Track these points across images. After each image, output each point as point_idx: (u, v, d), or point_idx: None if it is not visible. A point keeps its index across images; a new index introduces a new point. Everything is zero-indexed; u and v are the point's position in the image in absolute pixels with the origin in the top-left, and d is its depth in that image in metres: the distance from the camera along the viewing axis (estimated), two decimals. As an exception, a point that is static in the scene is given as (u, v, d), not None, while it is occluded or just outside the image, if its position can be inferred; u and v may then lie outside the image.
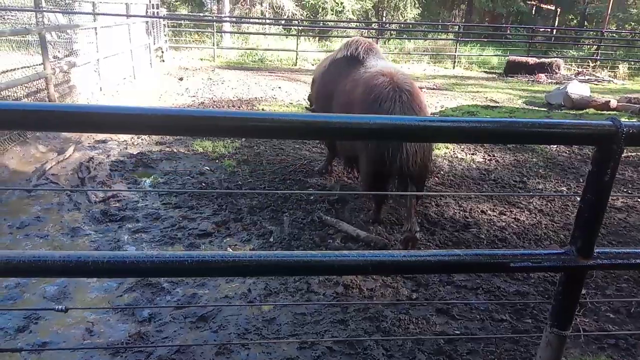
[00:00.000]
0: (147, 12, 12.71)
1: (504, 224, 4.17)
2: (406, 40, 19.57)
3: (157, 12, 14.05)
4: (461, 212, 4.36)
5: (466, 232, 3.97)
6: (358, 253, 1.64)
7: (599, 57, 17.82)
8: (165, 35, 15.22)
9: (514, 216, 4.34)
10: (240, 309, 2.88)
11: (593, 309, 3.02)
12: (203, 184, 4.84)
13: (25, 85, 6.17)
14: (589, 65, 17.47)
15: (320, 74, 5.06)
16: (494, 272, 2.83)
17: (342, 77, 4.50)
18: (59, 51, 8.00)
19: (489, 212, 4.40)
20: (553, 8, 27.95)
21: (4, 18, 6.61)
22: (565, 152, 6.39)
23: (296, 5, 20.43)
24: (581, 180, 5.38)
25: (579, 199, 4.43)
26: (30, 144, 5.68)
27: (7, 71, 5.96)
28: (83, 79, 8.12)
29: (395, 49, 19.37)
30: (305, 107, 5.72)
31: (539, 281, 3.32)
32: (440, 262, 1.62)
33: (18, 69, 6.20)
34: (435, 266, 1.69)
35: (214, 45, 16.21)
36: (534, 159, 6.08)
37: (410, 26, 22.59)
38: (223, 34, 17.87)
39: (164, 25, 15.08)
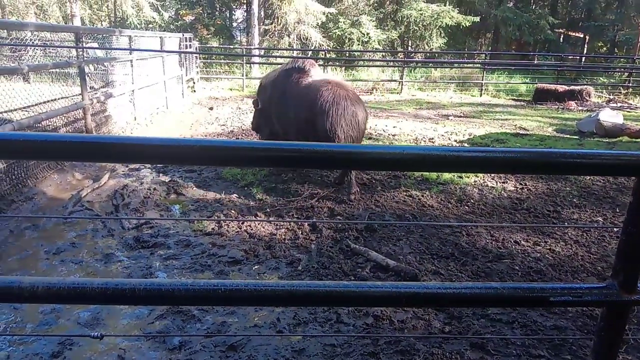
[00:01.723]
0: (180, 45, 13.20)
1: (538, 255, 4.05)
2: (432, 69, 19.67)
3: (190, 45, 14.57)
4: (493, 242, 4.27)
5: (499, 263, 3.87)
6: (391, 284, 1.62)
7: (630, 84, 17.49)
8: (197, 66, 15.73)
9: (548, 247, 4.22)
10: (270, 338, 2.86)
11: (637, 346, 2.87)
12: (232, 211, 4.89)
13: (64, 115, 6.44)
14: (620, 93, 17.15)
15: (271, 82, 6.19)
16: (533, 306, 2.74)
17: (293, 83, 5.75)
18: (95, 82, 8.37)
19: (522, 242, 4.29)
20: (582, 35, 27.73)
21: (45, 52, 6.98)
22: (600, 181, 6.22)
23: (323, 36, 20.87)
24: (617, 210, 5.21)
25: (616, 229, 4.26)
26: (67, 172, 5.89)
27: (47, 101, 6.25)
28: (119, 109, 8.43)
29: (421, 77, 19.49)
30: (253, 108, 6.80)
31: (577, 315, 3.19)
32: (476, 295, 1.59)
33: (57, 99, 6.50)
34: (471, 299, 1.65)
35: (243, 76, 16.64)
36: (567, 188, 5.94)
37: (436, 55, 22.75)
38: (252, 64, 18.35)
39: (196, 57, 15.61)
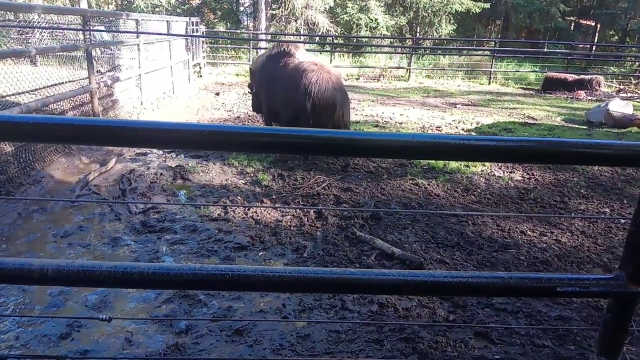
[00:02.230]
0: (187, 29, 13.12)
1: (544, 245, 4.04)
2: (440, 56, 19.47)
3: (197, 30, 14.48)
4: (499, 232, 4.26)
5: (505, 252, 3.87)
6: (398, 272, 1.62)
7: (642, 74, 17.26)
8: (203, 51, 15.64)
9: (555, 237, 4.20)
10: (275, 323, 2.88)
11: (642, 338, 2.87)
12: (238, 197, 4.90)
13: (71, 98, 6.44)
14: (630, 83, 16.93)
15: (260, 66, 6.50)
16: (540, 296, 2.73)
17: (280, 66, 6.04)
18: (102, 66, 8.35)
19: (528, 232, 4.28)
20: (593, 24, 27.30)
21: (52, 35, 6.95)
22: (608, 172, 6.18)
23: (330, 22, 20.67)
24: (625, 202, 5.18)
25: (623, 221, 4.21)
26: (74, 155, 5.91)
27: (54, 85, 6.25)
28: (125, 93, 8.42)
29: (429, 64, 19.30)
30: (249, 92, 7.23)
31: (582, 306, 3.19)
32: (483, 284, 1.59)
33: (65, 82, 6.49)
34: (478, 288, 1.64)
35: (249, 61, 16.53)
36: (575, 179, 5.91)
37: (445, 42, 22.50)
38: (259, 50, 18.23)
39: (203, 42, 15.52)
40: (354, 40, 21.27)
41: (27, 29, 6.39)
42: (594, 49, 23.28)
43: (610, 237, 4.29)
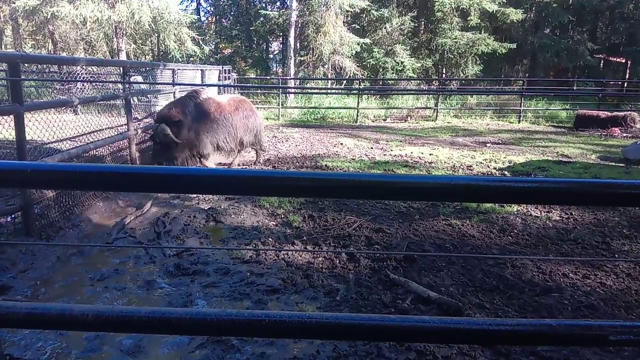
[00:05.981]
0: (219, 76, 13.64)
1: (589, 288, 3.86)
2: (468, 96, 19.51)
3: (229, 77, 15.04)
4: (540, 275, 4.09)
5: (547, 296, 3.69)
6: (439, 319, 1.57)
7: (679, 109, 16.79)
8: (234, 96, 16.15)
9: (599, 280, 4.01)
10: (309, 371, 2.80)
11: None
12: (270, 239, 4.90)
13: (110, 144, 6.69)
14: (668, 118, 16.46)
15: (193, 114, 7.19)
16: (591, 345, 2.58)
17: (208, 107, 7.41)
18: (139, 113, 8.70)
19: (571, 275, 4.10)
20: (623, 61, 26.99)
21: (93, 85, 7.33)
22: (652, 211, 5.93)
23: (357, 66, 21.13)
24: (673, 242, 4.93)
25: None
26: (111, 200, 6.08)
27: (93, 132, 6.52)
28: (160, 139, 8.68)
29: (456, 104, 19.34)
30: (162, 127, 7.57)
31: (634, 354, 3.00)
32: (529, 332, 1.52)
33: (104, 129, 6.77)
34: (525, 337, 1.57)
35: (278, 105, 16.95)
36: (616, 218, 5.68)
37: (472, 82, 22.58)
38: (288, 94, 18.71)
39: (234, 88, 16.07)
40: (380, 83, 21.62)
41: (72, 82, 6.75)
42: (625, 85, 22.92)
43: (660, 279, 4.07)
